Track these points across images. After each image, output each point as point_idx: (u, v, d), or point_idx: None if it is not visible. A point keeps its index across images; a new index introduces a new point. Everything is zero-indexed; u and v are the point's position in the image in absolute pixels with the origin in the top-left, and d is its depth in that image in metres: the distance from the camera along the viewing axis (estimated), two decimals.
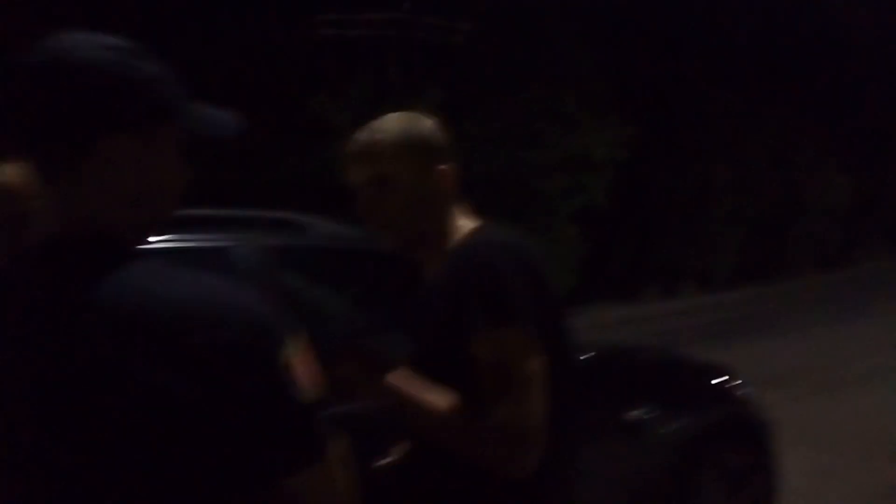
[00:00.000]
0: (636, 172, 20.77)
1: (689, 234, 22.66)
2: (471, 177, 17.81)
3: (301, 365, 0.89)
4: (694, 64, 22.80)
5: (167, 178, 0.95)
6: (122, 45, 0.91)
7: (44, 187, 0.89)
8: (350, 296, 2.79)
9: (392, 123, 1.39)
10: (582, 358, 2.96)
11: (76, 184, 0.88)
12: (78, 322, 0.80)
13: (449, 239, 1.40)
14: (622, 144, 19.46)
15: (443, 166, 1.40)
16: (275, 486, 0.88)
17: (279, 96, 16.39)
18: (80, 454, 0.80)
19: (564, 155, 18.86)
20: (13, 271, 0.90)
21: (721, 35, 23.53)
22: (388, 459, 1.63)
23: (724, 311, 16.91)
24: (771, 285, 22.62)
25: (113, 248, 0.88)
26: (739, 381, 3.58)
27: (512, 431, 1.19)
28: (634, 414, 2.98)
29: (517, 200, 18.63)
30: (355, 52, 16.60)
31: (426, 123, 1.43)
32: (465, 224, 1.42)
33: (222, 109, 1.01)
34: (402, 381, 1.30)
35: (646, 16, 22.19)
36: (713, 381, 3.54)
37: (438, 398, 1.27)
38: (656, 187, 22.54)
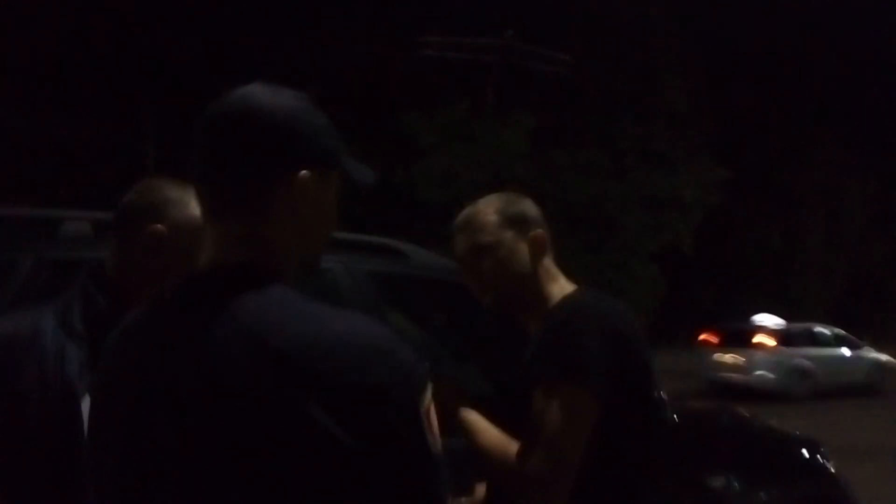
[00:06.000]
0: (726, 216, 20.15)
1: (776, 286, 21.79)
2: (552, 206, 17.79)
3: (432, 415, 0.90)
4: (796, 109, 22.02)
5: (328, 219, 1.03)
6: (302, 96, 1.00)
7: (216, 221, 0.94)
8: (443, 326, 2.81)
9: (491, 199, 1.57)
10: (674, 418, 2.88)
11: (259, 220, 0.94)
12: (234, 347, 0.84)
13: (548, 303, 1.50)
14: (713, 187, 18.95)
15: (535, 232, 1.53)
16: None
17: (372, 110, 16.77)
18: (211, 478, 0.83)
19: (651, 193, 18.51)
20: (175, 296, 0.94)
21: (828, 80, 22.65)
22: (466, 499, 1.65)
23: None
24: None
25: (276, 279, 0.92)
26: (827, 455, 3.40)
27: (534, 478, 1.29)
28: (717, 481, 2.87)
29: (597, 234, 18.39)
30: (453, 74, 16.84)
31: (522, 199, 1.59)
32: (564, 288, 1.53)
33: (362, 163, 1.09)
34: (473, 416, 1.46)
35: (748, 56, 21.62)
36: (801, 454, 3.37)
37: (498, 437, 1.40)
38: (746, 234, 21.79)
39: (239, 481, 0.83)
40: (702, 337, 14.10)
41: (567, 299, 1.45)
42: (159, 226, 1.32)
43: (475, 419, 1.47)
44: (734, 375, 12.66)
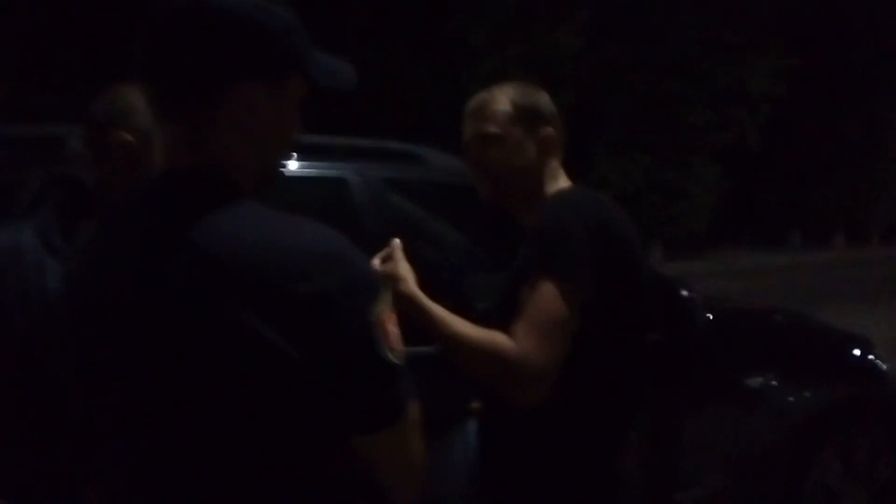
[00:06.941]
0: (795, 110, 19.09)
1: (847, 181, 20.77)
2: (609, 105, 17.04)
3: (390, 324, 0.88)
4: None
5: (287, 129, 0.96)
6: None
7: (165, 125, 0.90)
8: (457, 230, 2.78)
9: (505, 88, 1.52)
10: (709, 317, 2.80)
11: (207, 126, 0.89)
12: (180, 258, 0.82)
13: (544, 199, 1.48)
14: (782, 78, 17.89)
15: (547, 130, 1.50)
16: (349, 441, 0.89)
17: (417, 15, 16.23)
18: (159, 390, 0.84)
19: (715, 87, 17.62)
20: (131, 205, 0.92)
21: None
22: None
23: (876, 268, 15.54)
24: None
25: (228, 189, 0.89)
26: (880, 355, 3.28)
27: (516, 363, 1.24)
28: (756, 380, 2.81)
29: (657, 133, 17.72)
30: None
31: (538, 92, 1.54)
32: (560, 186, 1.51)
33: (341, 59, 1.00)
34: (445, 314, 1.36)
35: None
36: (850, 353, 3.26)
37: (477, 330, 1.32)
38: (816, 127, 20.66)
39: (185, 394, 0.82)
40: None
41: (554, 195, 1.44)
42: (126, 134, 1.29)
43: (449, 317, 1.36)
44: None
